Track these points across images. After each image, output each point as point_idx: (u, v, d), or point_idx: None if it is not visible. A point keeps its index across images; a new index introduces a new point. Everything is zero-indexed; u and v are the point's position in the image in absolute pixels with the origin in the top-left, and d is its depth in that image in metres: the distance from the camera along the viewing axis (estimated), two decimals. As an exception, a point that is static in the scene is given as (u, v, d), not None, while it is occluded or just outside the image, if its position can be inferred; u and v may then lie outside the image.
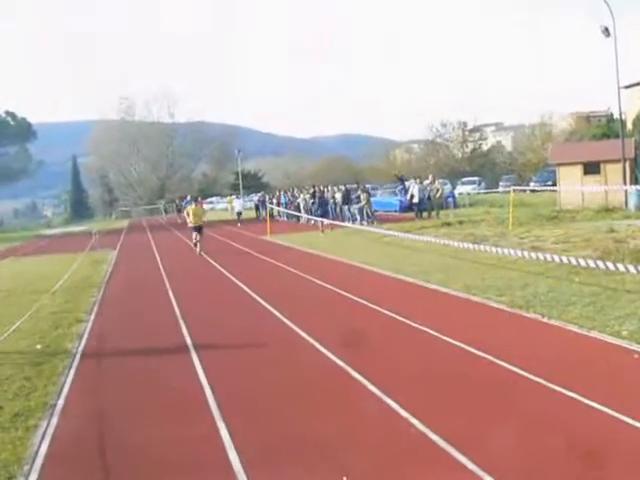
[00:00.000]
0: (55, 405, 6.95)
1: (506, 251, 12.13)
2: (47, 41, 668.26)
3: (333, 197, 34.36)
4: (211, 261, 20.26)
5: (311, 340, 8.82)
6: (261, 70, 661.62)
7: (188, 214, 22.77)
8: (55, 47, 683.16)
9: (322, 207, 33.34)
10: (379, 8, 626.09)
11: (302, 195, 37.54)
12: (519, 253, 11.83)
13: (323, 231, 27.46)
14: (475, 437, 5.20)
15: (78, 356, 9.18)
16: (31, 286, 17.23)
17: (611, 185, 25.24)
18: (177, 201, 60.13)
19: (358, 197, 31.04)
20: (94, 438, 5.92)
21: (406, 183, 35.95)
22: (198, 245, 22.39)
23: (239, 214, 41.24)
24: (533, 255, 11.62)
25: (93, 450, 5.66)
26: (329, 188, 36.41)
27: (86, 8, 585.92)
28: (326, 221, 27.95)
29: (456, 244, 14.04)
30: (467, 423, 5.52)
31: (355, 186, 33.25)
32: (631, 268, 9.23)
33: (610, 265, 9.68)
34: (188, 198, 45.85)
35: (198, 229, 22.41)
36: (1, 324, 11.68)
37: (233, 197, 53.66)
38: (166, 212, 69.00)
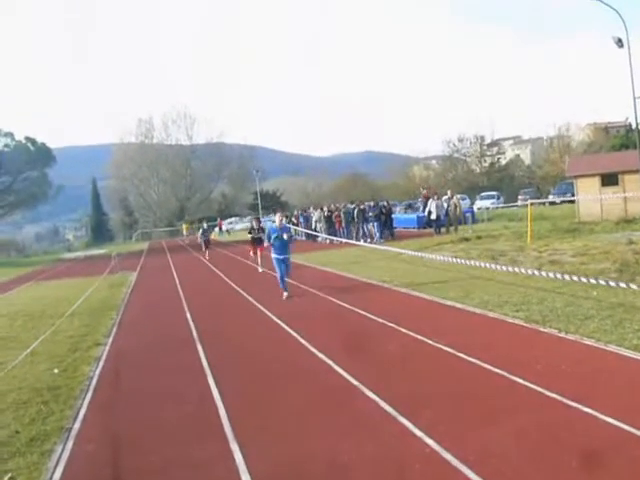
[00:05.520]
0: (71, 429, 6.98)
1: (523, 270, 12.03)
2: (66, 66, 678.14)
3: (343, 215, 34.21)
4: (227, 279, 20.35)
5: (324, 357, 8.81)
6: (280, 89, 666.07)
7: None
8: (73, 72, 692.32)
9: (331, 226, 33.89)
10: (399, 27, 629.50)
11: (317, 214, 37.49)
12: (535, 272, 11.74)
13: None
14: (490, 455, 5.15)
15: (95, 380, 9.22)
16: (51, 310, 17.36)
17: (629, 196, 25.06)
18: (253, 223, 24.89)
19: (376, 215, 31.02)
20: (108, 462, 5.93)
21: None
22: None
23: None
24: (549, 274, 11.52)
25: (107, 475, 5.67)
26: (336, 206, 36.59)
27: (106, 33, 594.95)
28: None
29: (470, 262, 13.96)
30: (482, 442, 5.46)
31: (372, 203, 33.17)
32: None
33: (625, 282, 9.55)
34: (263, 220, 27.31)
35: None
36: (20, 348, 11.78)
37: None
38: (205, 237, 36.00)
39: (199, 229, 40.87)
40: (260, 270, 21.91)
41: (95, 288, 22.39)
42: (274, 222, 16.33)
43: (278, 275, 15.49)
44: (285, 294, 15.22)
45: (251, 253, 23.85)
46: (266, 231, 16.56)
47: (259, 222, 24.31)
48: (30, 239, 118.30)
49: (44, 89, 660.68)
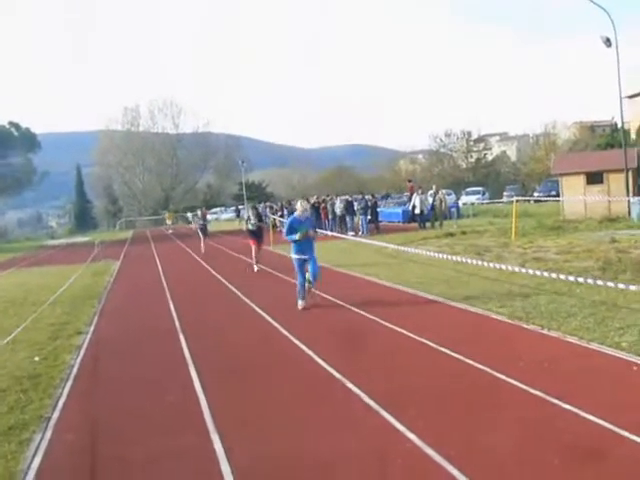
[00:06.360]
0: (50, 418, 6.91)
1: (509, 267, 12.05)
2: (51, 51, 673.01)
3: (330, 207, 34.15)
4: (210, 269, 20.28)
5: (307, 349, 8.79)
6: (267, 80, 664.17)
7: None
8: (59, 57, 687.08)
9: (317, 218, 33.54)
10: (386, 22, 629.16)
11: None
12: (519, 269, 11.77)
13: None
14: (472, 450, 5.14)
15: (76, 368, 9.14)
16: (32, 297, 17.21)
17: (614, 195, 25.23)
18: (250, 213, 20.50)
19: (363, 207, 31.01)
20: (87, 452, 5.87)
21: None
22: None
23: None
24: (531, 271, 11.57)
25: (86, 464, 5.61)
26: (323, 198, 36.54)
27: (92, 19, 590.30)
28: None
29: (454, 258, 13.99)
30: (465, 437, 5.46)
31: (360, 196, 33.17)
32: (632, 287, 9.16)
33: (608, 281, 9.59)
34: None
35: None
36: (0, 335, 11.67)
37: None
38: (203, 224, 30.27)
39: (194, 217, 34.68)
40: (256, 269, 19.11)
41: (78, 276, 22.26)
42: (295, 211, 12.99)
43: (298, 281, 12.28)
44: (301, 303, 12.21)
45: (253, 249, 19.65)
46: (285, 223, 13.15)
47: (257, 211, 20.78)
48: (13, 225, 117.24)
49: (29, 74, 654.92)
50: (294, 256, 12.21)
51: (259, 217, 20.23)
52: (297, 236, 11.92)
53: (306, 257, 12.12)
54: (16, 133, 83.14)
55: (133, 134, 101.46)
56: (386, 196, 49.70)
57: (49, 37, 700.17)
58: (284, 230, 12.74)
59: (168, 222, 64.17)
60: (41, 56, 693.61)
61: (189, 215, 74.90)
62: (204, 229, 29.47)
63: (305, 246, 12.10)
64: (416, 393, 6.72)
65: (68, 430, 6.51)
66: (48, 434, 6.42)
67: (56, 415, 7.01)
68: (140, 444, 5.94)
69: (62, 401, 7.54)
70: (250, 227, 19.51)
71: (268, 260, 20.31)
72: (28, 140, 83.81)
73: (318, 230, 25.84)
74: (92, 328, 12.20)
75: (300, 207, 12.53)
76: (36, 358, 9.76)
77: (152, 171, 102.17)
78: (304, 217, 12.42)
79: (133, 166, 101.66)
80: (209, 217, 73.04)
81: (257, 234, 19.52)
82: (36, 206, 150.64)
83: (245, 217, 20.43)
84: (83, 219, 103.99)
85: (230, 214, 73.92)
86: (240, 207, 70.75)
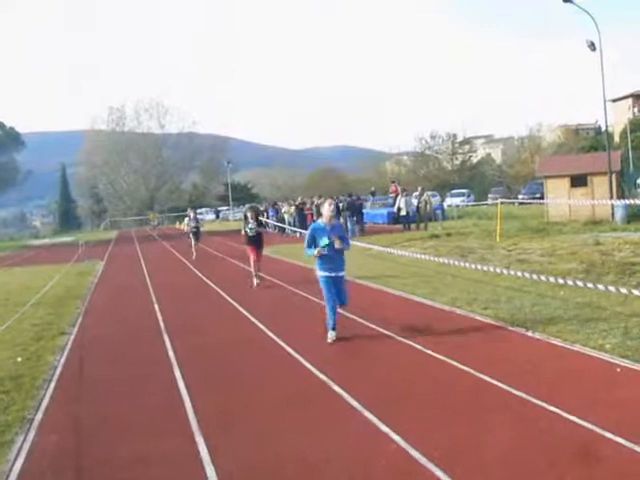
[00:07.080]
0: (33, 419, 6.85)
1: (491, 268, 12.10)
2: (37, 50, 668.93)
3: (315, 208, 34.14)
4: (194, 269, 20.22)
5: (293, 352, 8.78)
6: (255, 82, 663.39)
7: None
8: (45, 56, 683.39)
9: (303, 219, 33.59)
10: (376, 23, 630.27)
11: (286, 207, 37.64)
12: (503, 271, 11.83)
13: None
14: (456, 452, 5.15)
15: (59, 369, 9.08)
16: (15, 297, 17.07)
17: (598, 197, 25.41)
18: (249, 215, 16.46)
19: (348, 209, 31.03)
20: (71, 454, 5.83)
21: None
22: None
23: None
24: (517, 273, 11.62)
25: (69, 466, 5.57)
26: (311, 200, 36.52)
27: (78, 18, 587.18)
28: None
29: (439, 259, 14.04)
30: (449, 439, 5.47)
31: (347, 197, 33.14)
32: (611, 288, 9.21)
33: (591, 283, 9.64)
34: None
35: None
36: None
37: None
38: (196, 227, 26.21)
39: (185, 217, 30.69)
40: (256, 283, 15.82)
41: (61, 276, 22.11)
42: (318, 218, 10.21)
43: (327, 305, 9.39)
44: (331, 335, 9.32)
45: (251, 259, 16.10)
46: (307, 233, 9.81)
47: (257, 213, 16.90)
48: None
49: (14, 73, 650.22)
50: (320, 273, 9.47)
51: (259, 220, 16.85)
52: (315, 251, 9.26)
53: (334, 275, 9.38)
54: (0, 132, 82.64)
55: (118, 134, 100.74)
56: (373, 194, 49.66)
57: (33, 35, 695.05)
58: (305, 243, 9.73)
59: (153, 223, 65.33)
60: (25, 54, 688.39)
61: (158, 216, 75.97)
62: (197, 233, 25.94)
63: (334, 261, 9.39)
64: (400, 395, 6.72)
65: (51, 432, 6.46)
66: (31, 436, 6.36)
67: (39, 417, 6.96)
68: (124, 446, 5.90)
69: (45, 403, 7.48)
70: (249, 232, 15.96)
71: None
72: (12, 139, 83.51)
73: (303, 231, 23.53)
74: (76, 329, 12.12)
75: (326, 213, 9.49)
76: (19, 359, 9.68)
77: (137, 171, 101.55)
78: (331, 225, 9.49)
79: (118, 166, 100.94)
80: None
81: (256, 241, 16.09)
82: (20, 206, 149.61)
83: (243, 220, 16.96)
84: (67, 219, 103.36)
85: (211, 215, 75.02)
86: (219, 209, 72.63)
